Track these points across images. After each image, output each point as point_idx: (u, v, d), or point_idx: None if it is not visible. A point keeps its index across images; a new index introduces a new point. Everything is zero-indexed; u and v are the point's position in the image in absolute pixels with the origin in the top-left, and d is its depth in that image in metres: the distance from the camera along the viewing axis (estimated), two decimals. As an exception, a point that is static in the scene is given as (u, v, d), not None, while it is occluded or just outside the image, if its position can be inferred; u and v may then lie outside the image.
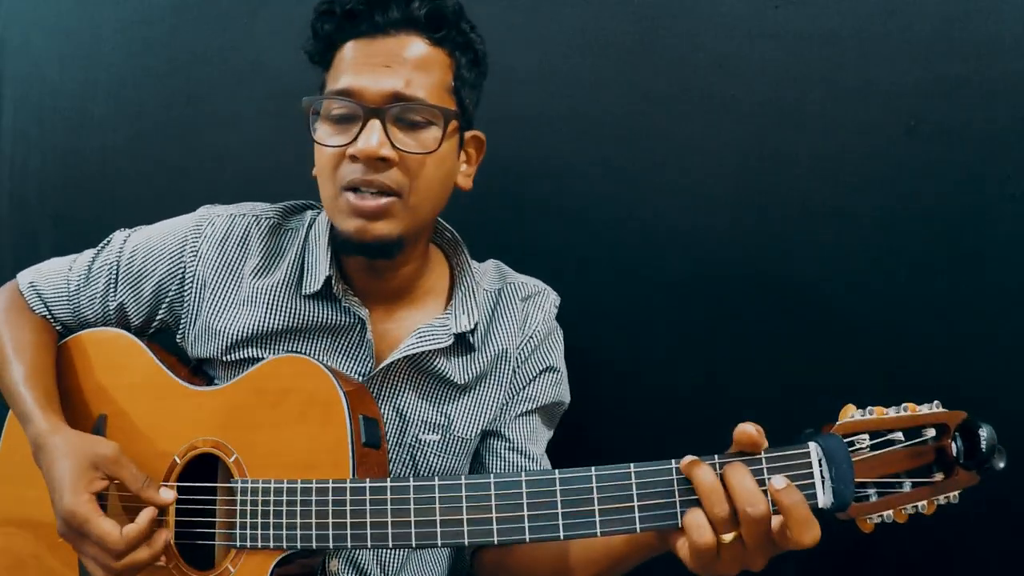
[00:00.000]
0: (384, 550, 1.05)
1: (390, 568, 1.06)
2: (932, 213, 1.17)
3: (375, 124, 0.92)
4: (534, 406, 1.09)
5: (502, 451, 1.08)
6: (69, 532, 0.91)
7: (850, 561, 1.24)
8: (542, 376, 1.10)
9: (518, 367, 1.09)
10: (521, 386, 1.09)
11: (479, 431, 1.07)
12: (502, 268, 1.16)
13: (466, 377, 1.06)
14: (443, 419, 1.05)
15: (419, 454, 1.05)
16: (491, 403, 1.08)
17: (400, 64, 0.93)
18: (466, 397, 1.07)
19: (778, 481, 0.74)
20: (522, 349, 1.09)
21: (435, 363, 1.04)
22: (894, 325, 1.19)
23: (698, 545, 0.74)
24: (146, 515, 0.90)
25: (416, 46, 0.95)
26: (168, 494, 0.93)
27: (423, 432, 1.05)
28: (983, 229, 1.15)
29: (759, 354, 1.25)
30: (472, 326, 1.04)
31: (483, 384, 1.08)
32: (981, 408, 1.15)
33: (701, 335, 1.27)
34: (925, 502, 0.78)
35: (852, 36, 1.18)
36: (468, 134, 1.04)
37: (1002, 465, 0.78)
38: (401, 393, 1.04)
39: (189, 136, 1.53)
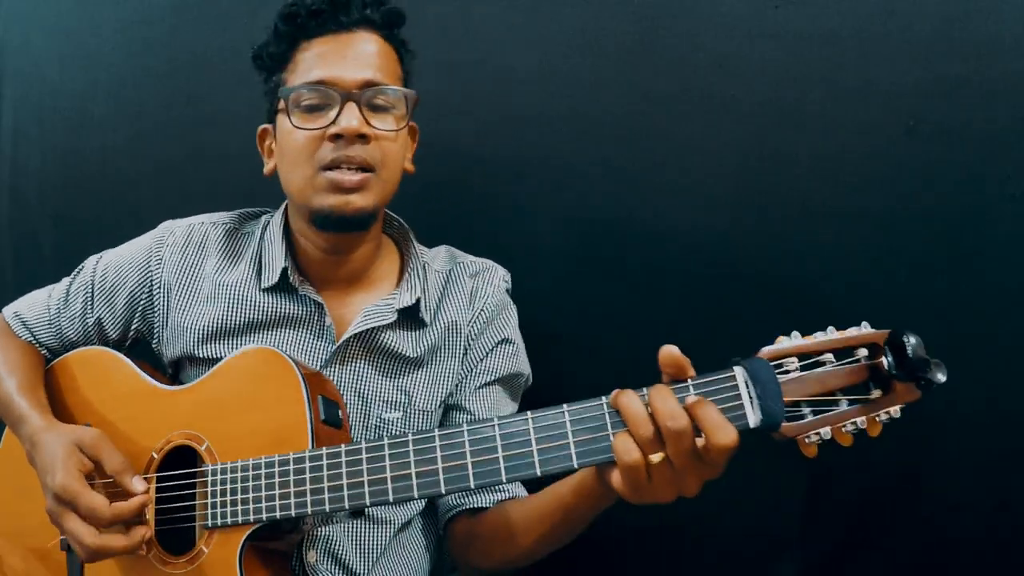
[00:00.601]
0: (352, 530, 1.09)
1: (370, 557, 1.09)
2: (932, 213, 1.17)
3: (352, 107, 1.02)
4: (492, 377, 1.15)
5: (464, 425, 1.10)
6: (58, 507, 0.95)
7: (850, 561, 1.24)
8: (497, 348, 1.15)
9: (473, 341, 1.15)
10: (478, 359, 1.15)
11: (439, 403, 1.13)
12: (453, 251, 1.23)
13: (419, 350, 1.11)
14: (402, 396, 1.11)
15: (383, 433, 1.10)
16: (448, 375, 1.13)
17: (366, 56, 1.05)
18: (422, 371, 1.12)
19: (691, 397, 0.78)
20: (474, 323, 1.15)
21: (386, 340, 1.10)
22: (894, 325, 1.19)
23: (626, 465, 0.77)
24: (137, 500, 0.95)
25: (375, 42, 1.07)
26: (139, 484, 0.97)
27: (384, 411, 1.10)
28: (983, 229, 1.15)
29: (755, 349, 1.25)
30: (413, 301, 1.11)
31: (437, 357, 1.13)
32: (981, 408, 1.16)
33: (701, 335, 1.27)
34: (864, 419, 0.79)
35: (852, 36, 1.18)
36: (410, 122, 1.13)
37: (942, 377, 0.78)
38: (361, 375, 1.10)
39: (189, 136, 1.54)
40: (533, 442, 0.82)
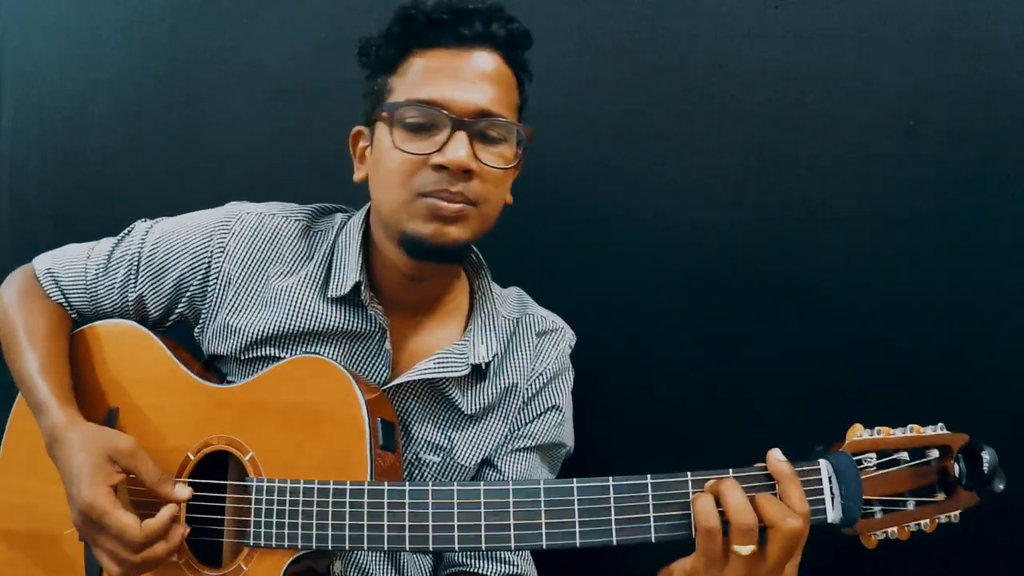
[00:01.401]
0: (397, 554, 1.05)
1: (396, 569, 1.06)
2: (932, 213, 1.17)
3: (462, 136, 0.92)
4: (533, 443, 1.09)
5: None
6: (86, 525, 0.90)
7: (849, 561, 1.24)
8: (545, 415, 1.10)
9: (525, 403, 1.09)
10: (524, 422, 1.09)
11: (479, 460, 1.07)
12: (523, 297, 1.16)
13: (474, 408, 1.06)
14: (446, 442, 1.05)
15: (416, 472, 1.05)
16: (495, 434, 1.08)
17: (484, 80, 0.95)
18: (472, 426, 1.06)
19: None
20: (531, 384, 1.09)
21: (448, 389, 1.04)
22: (894, 325, 1.19)
23: (705, 529, 0.76)
24: (167, 511, 0.90)
25: (495, 63, 0.97)
26: (184, 491, 0.93)
27: (424, 452, 1.04)
28: (983, 229, 1.15)
29: (759, 354, 1.25)
30: (489, 358, 1.04)
31: (490, 415, 1.07)
32: (981, 408, 1.16)
33: (701, 335, 1.27)
34: (927, 520, 0.81)
35: (852, 36, 1.18)
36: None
37: (1001, 487, 0.80)
38: (409, 412, 1.04)
39: (189, 136, 1.53)
40: (612, 510, 0.79)
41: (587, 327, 1.31)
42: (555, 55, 1.32)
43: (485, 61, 0.95)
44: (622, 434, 1.31)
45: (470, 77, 0.94)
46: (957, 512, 0.82)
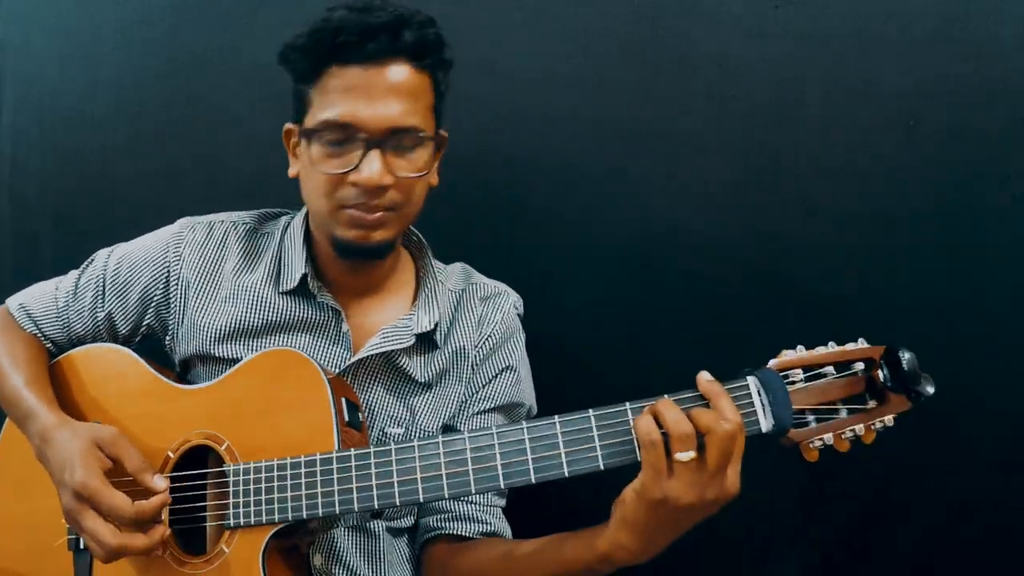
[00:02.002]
0: (375, 537, 1.09)
1: (373, 560, 1.09)
2: (932, 213, 1.17)
3: (374, 155, 0.97)
4: (492, 405, 1.13)
5: None
6: (77, 504, 0.94)
7: (850, 561, 1.24)
8: (500, 376, 1.14)
9: (477, 366, 1.13)
10: (480, 385, 1.13)
11: (440, 425, 1.12)
12: (468, 270, 1.21)
13: (428, 375, 1.11)
14: (407, 413, 1.10)
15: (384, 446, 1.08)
16: (452, 398, 1.13)
17: (394, 94, 0.98)
18: (429, 393, 1.12)
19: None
20: (479, 349, 1.13)
21: (399, 361, 1.09)
22: (894, 325, 1.19)
23: (649, 442, 0.80)
24: (158, 499, 0.94)
25: (405, 74, 0.99)
26: (161, 483, 0.96)
27: (388, 426, 1.09)
28: (983, 229, 1.16)
29: (758, 353, 1.25)
30: (432, 326, 1.10)
31: (445, 380, 1.12)
32: (981, 408, 1.16)
33: (700, 335, 1.27)
34: (862, 426, 0.86)
35: (852, 36, 1.18)
36: (440, 133, 1.08)
37: (931, 390, 0.85)
38: (370, 388, 1.09)
39: (189, 136, 1.53)
40: (561, 444, 0.85)
41: (588, 327, 1.31)
42: (555, 55, 1.32)
43: (396, 74, 0.98)
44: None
45: (380, 94, 0.97)
46: (891, 417, 0.87)
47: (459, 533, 1.08)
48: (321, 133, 0.99)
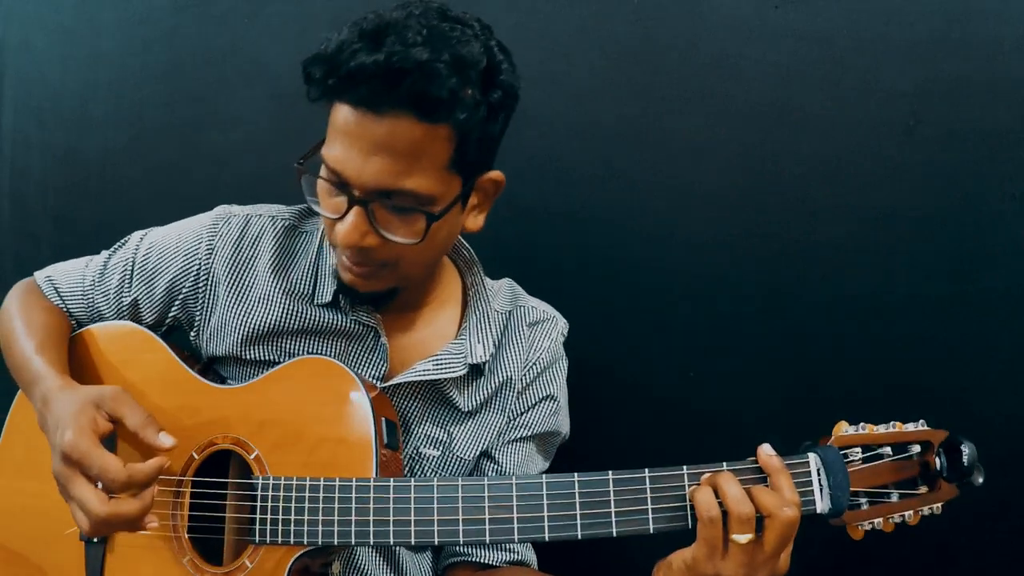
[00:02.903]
0: (396, 551, 1.06)
1: (394, 569, 1.07)
2: (932, 213, 1.17)
3: (356, 213, 0.87)
4: (529, 433, 1.09)
5: (492, 474, 1.08)
6: (65, 468, 0.85)
7: (850, 561, 1.24)
8: (540, 404, 1.10)
9: (519, 393, 1.09)
10: (519, 412, 1.09)
11: (477, 453, 1.08)
12: (515, 289, 1.15)
13: (471, 404, 1.06)
14: (445, 436, 1.06)
15: (417, 467, 1.05)
16: (492, 428, 1.08)
17: (387, 153, 0.84)
18: (470, 420, 1.07)
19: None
20: (524, 375, 1.09)
21: (446, 389, 1.05)
22: (893, 325, 1.19)
23: (707, 519, 0.78)
24: (155, 461, 0.86)
25: (408, 129, 0.83)
26: (167, 439, 0.88)
27: (424, 446, 1.05)
28: (983, 229, 1.15)
29: (759, 354, 1.25)
30: (487, 357, 1.05)
31: (487, 409, 1.08)
32: (981, 408, 1.16)
33: (700, 334, 1.27)
34: (911, 512, 0.85)
35: (852, 36, 1.18)
36: (484, 178, 0.96)
37: (981, 480, 0.84)
38: (409, 405, 1.05)
39: (189, 136, 1.53)
40: (612, 503, 0.82)
41: (588, 327, 1.31)
42: (556, 56, 1.32)
43: (395, 130, 0.83)
44: (623, 432, 1.31)
45: (369, 147, 0.84)
46: (939, 504, 0.86)
47: (484, 561, 1.05)
48: (322, 166, 0.90)
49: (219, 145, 1.51)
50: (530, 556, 1.08)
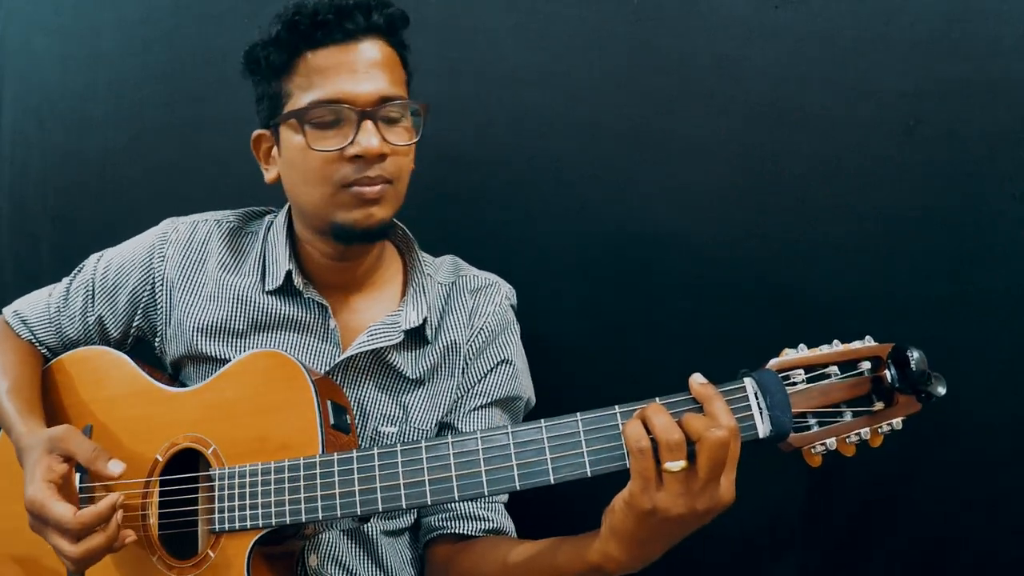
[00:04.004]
0: (372, 537, 1.09)
1: (370, 559, 1.09)
2: (932, 213, 1.17)
3: (369, 125, 0.99)
4: (488, 400, 1.12)
5: None
6: (34, 522, 0.94)
7: (850, 561, 1.24)
8: (496, 370, 1.13)
9: (471, 360, 1.13)
10: (475, 380, 1.13)
11: (435, 422, 1.11)
12: (458, 262, 1.21)
13: (419, 371, 1.11)
14: (400, 410, 1.10)
15: (378, 446, 1.07)
16: (445, 394, 1.12)
17: (375, 68, 1.01)
18: (421, 389, 1.11)
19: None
20: (472, 343, 1.13)
21: (389, 358, 1.09)
22: (894, 325, 1.19)
23: (638, 450, 0.78)
24: (106, 501, 0.92)
25: (381, 50, 1.02)
26: (117, 467, 0.95)
27: (381, 424, 1.09)
28: (983, 229, 1.15)
29: (757, 354, 1.25)
30: (420, 321, 1.09)
31: (436, 376, 1.12)
32: (982, 408, 1.16)
33: (699, 335, 1.27)
34: (867, 430, 0.82)
35: (852, 36, 1.18)
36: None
37: (942, 390, 0.81)
38: (361, 386, 1.09)
39: (189, 136, 1.54)
40: (547, 451, 0.83)
41: (587, 328, 1.31)
42: (556, 55, 1.32)
43: (372, 50, 1.01)
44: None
45: (363, 68, 1.00)
46: (899, 420, 0.83)
47: (461, 532, 1.08)
48: (312, 114, 0.99)
49: (219, 145, 1.51)
50: (507, 524, 1.11)
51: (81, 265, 1.20)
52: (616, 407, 0.82)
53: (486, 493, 0.85)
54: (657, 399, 0.82)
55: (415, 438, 1.09)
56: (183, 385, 1.11)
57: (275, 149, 1.08)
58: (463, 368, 1.12)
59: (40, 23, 1.66)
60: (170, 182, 1.54)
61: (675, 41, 1.26)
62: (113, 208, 1.58)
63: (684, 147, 1.26)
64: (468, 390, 1.12)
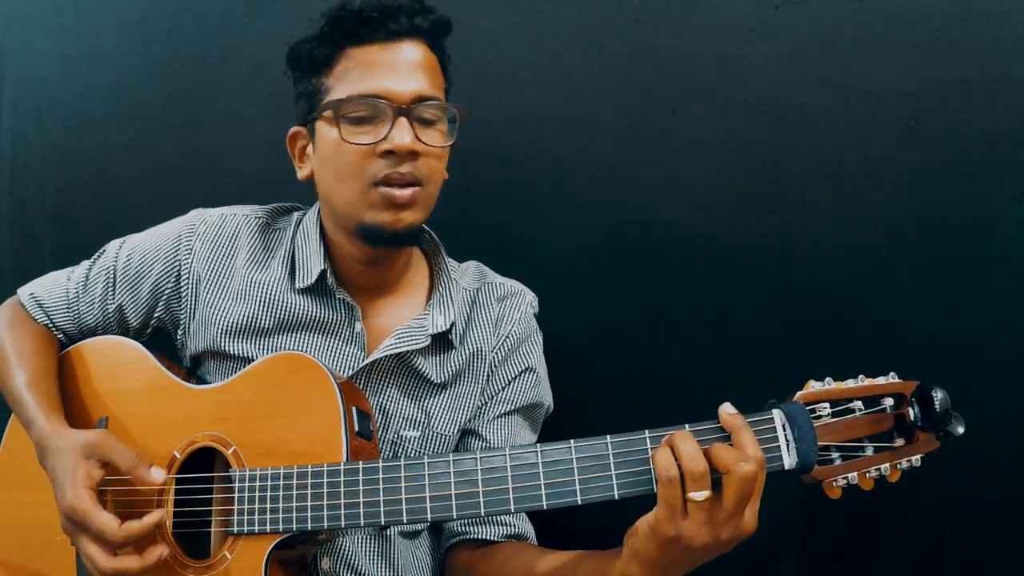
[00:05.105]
0: (390, 541, 1.08)
1: (383, 564, 1.08)
2: (932, 213, 1.17)
3: (404, 122, 0.99)
4: (511, 407, 1.12)
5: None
6: (71, 527, 0.93)
7: (850, 561, 1.24)
8: (520, 378, 1.13)
9: (495, 368, 1.12)
10: (499, 388, 1.12)
11: (458, 428, 1.11)
12: (482, 269, 1.21)
13: (443, 376, 1.10)
14: (423, 416, 1.09)
15: (399, 450, 1.08)
16: (469, 400, 1.11)
17: (416, 68, 1.02)
18: (444, 394, 1.11)
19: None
20: (498, 350, 1.13)
21: (415, 362, 1.09)
22: (894, 325, 1.19)
23: (666, 479, 0.77)
24: (152, 517, 0.92)
25: (422, 52, 1.03)
26: (159, 474, 0.95)
27: (403, 428, 1.08)
28: (983, 229, 1.15)
29: (757, 354, 1.25)
30: (448, 326, 1.09)
31: (460, 381, 1.11)
32: (982, 408, 1.16)
33: (699, 334, 1.27)
34: (887, 466, 0.83)
35: (852, 36, 1.18)
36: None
37: (961, 430, 0.82)
38: (384, 390, 1.08)
39: (189, 136, 1.53)
40: (575, 471, 0.83)
41: (587, 327, 1.31)
42: (556, 55, 1.32)
43: (413, 51, 1.02)
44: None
45: (404, 67, 1.01)
46: (918, 457, 0.84)
47: (483, 537, 1.07)
48: (349, 107, 1.00)
49: (219, 145, 1.51)
50: (528, 529, 1.10)
51: (102, 249, 1.18)
52: (647, 431, 0.82)
53: (513, 510, 0.84)
54: (687, 426, 0.81)
55: (437, 443, 1.09)
56: (202, 381, 1.09)
57: (310, 147, 1.07)
58: (488, 375, 1.12)
59: (40, 23, 1.66)
60: (170, 182, 1.54)
61: (675, 41, 1.26)
62: (113, 208, 1.58)
63: (684, 147, 1.26)
64: (492, 397, 1.12)
